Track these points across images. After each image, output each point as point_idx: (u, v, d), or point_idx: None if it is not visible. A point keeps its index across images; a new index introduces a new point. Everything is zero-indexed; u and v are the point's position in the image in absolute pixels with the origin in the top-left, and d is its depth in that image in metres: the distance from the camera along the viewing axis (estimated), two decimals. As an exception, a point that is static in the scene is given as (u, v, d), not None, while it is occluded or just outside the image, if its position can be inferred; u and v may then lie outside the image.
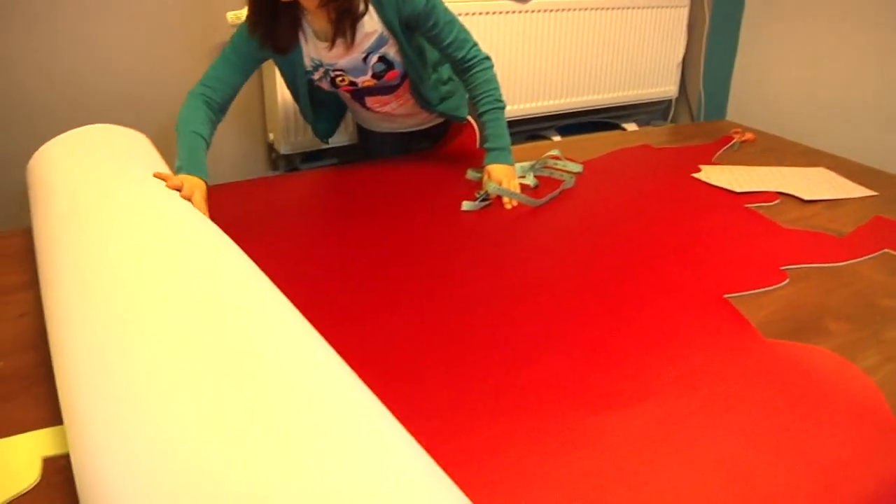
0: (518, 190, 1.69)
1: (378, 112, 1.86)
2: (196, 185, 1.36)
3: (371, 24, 1.61)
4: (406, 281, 1.29)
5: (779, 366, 1.05)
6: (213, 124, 1.58)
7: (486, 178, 1.72)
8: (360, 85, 1.71)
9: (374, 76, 1.69)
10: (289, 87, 1.77)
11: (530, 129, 2.87)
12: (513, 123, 2.23)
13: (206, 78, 1.59)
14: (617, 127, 3.03)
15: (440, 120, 1.97)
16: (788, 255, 1.43)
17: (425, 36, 1.68)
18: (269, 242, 1.44)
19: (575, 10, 2.74)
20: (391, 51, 1.66)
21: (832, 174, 1.91)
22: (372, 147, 2.03)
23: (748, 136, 2.19)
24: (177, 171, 1.41)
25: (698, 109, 3.19)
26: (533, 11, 2.59)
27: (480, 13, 2.47)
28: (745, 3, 3.03)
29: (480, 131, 1.82)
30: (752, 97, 3.09)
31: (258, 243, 1.41)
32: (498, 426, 0.92)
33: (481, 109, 1.75)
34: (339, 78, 1.69)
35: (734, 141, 2.15)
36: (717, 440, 0.89)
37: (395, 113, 1.87)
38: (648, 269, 1.35)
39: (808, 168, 1.95)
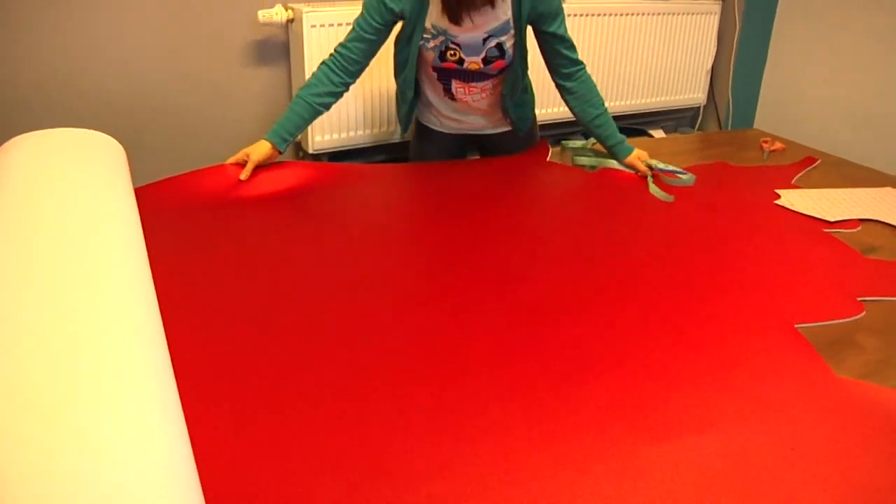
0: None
1: (458, 101, 1.85)
2: (257, 148, 1.62)
3: (503, 10, 1.66)
4: (465, 288, 1.26)
5: (850, 405, 0.98)
6: (336, 92, 1.69)
7: (638, 163, 1.83)
8: (466, 65, 1.73)
9: (484, 60, 1.72)
10: (397, 55, 1.78)
11: (557, 134, 2.79)
12: (541, 127, 2.19)
13: (342, 43, 1.67)
14: (644, 133, 2.96)
15: (500, 129, 1.96)
16: (868, 286, 1.35)
17: (547, 34, 1.73)
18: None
19: (605, 15, 2.70)
20: (508, 41, 1.71)
21: None
22: (427, 148, 1.99)
23: (777, 145, 2.12)
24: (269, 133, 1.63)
25: (726, 117, 3.12)
26: (567, 13, 2.49)
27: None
28: (777, 11, 2.95)
29: (597, 128, 1.85)
30: (781, 106, 3.03)
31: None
32: (552, 447, 0.88)
33: (600, 109, 1.82)
34: (451, 52, 1.71)
35: (764, 151, 2.08)
36: (780, 479, 0.84)
37: (473, 105, 1.86)
38: (719, 292, 1.28)
39: (878, 189, 1.85)
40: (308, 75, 2.12)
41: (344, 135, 2.33)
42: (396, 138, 2.41)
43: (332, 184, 1.68)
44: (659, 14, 2.82)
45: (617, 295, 1.25)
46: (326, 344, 1.08)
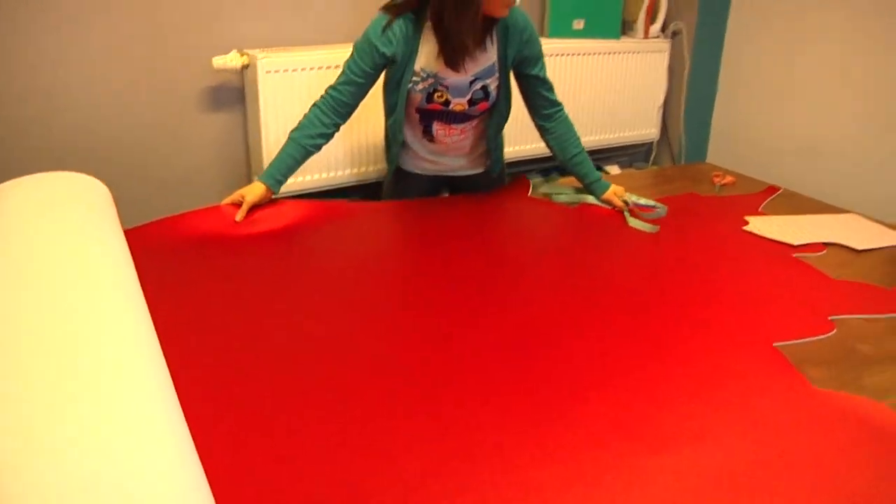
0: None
1: (436, 142, 1.87)
2: (252, 189, 1.65)
3: (491, 54, 1.72)
4: (456, 315, 1.30)
5: (827, 415, 1.06)
6: (327, 133, 1.72)
7: (615, 199, 1.86)
8: (452, 106, 1.76)
9: (469, 101, 1.76)
10: (387, 98, 1.80)
11: (514, 172, 2.79)
12: (506, 165, 2.17)
13: (333, 86, 1.71)
14: (599, 169, 2.97)
15: (474, 171, 1.98)
16: (837, 305, 1.41)
17: (529, 77, 1.80)
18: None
19: (559, 55, 2.74)
20: (493, 84, 1.76)
21: (868, 220, 1.89)
22: (401, 189, 1.98)
23: (728, 179, 2.15)
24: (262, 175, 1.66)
25: (679, 152, 3.17)
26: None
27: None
28: (724, 47, 3.04)
29: (576, 166, 1.89)
30: (732, 139, 3.10)
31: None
32: (557, 464, 0.93)
33: (578, 148, 1.88)
34: (439, 94, 1.74)
35: (715, 185, 2.11)
36: (771, 485, 0.91)
37: (451, 146, 1.88)
38: (701, 315, 1.35)
39: (841, 215, 1.92)
40: (264, 121, 2.13)
41: (317, 176, 2.31)
42: (373, 178, 2.42)
43: (322, 220, 1.69)
44: (611, 53, 2.87)
45: (606, 320, 1.30)
46: (319, 373, 1.10)
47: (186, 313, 1.26)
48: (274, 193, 1.69)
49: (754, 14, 2.90)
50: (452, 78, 1.72)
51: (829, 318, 1.35)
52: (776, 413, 1.05)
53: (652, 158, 3.27)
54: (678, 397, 1.08)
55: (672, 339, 1.25)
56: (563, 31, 2.81)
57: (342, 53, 2.24)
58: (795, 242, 1.70)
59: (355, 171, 2.41)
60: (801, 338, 1.28)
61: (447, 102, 1.76)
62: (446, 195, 2.04)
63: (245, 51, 2.19)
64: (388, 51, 1.65)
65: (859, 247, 1.69)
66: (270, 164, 1.69)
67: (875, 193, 2.56)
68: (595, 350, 1.20)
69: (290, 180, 2.12)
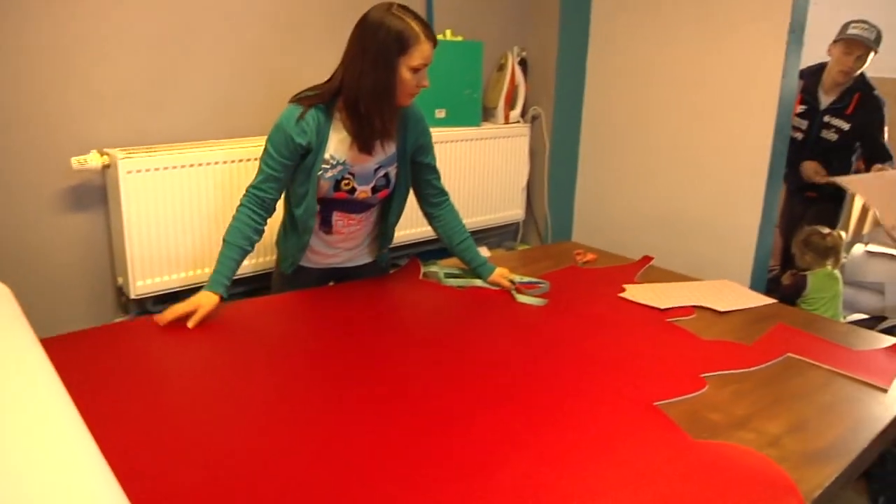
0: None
1: (336, 233, 1.89)
2: (203, 298, 1.62)
3: (392, 143, 1.81)
4: (366, 394, 1.32)
5: (707, 464, 1.14)
6: (259, 230, 1.76)
7: (501, 280, 1.94)
8: (356, 194, 1.81)
9: (373, 188, 1.82)
10: (297, 188, 1.80)
11: (402, 255, 2.82)
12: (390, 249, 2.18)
13: (254, 185, 1.74)
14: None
15: (362, 262, 2.01)
16: (707, 363, 1.50)
17: (422, 165, 1.90)
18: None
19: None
20: (393, 171, 1.85)
21: (736, 285, 2.04)
22: (291, 282, 1.96)
23: (590, 256, 2.25)
24: (208, 284, 1.65)
25: (545, 230, 3.29)
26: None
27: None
28: (581, 129, 3.21)
29: (463, 252, 1.98)
30: (594, 216, 3.24)
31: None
32: None
33: (464, 235, 1.98)
34: (346, 182, 1.79)
35: (578, 262, 2.21)
36: None
37: (349, 236, 1.92)
38: (589, 382, 1.40)
39: (715, 281, 2.07)
40: (127, 221, 2.06)
41: (175, 276, 2.24)
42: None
43: (238, 320, 1.66)
44: (473, 140, 2.98)
45: (502, 395, 1.34)
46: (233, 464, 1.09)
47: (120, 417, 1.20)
48: (224, 298, 1.67)
49: (608, 95, 3.10)
50: (359, 166, 1.78)
51: (701, 375, 1.44)
52: (660, 467, 1.12)
53: (520, 238, 3.37)
54: (575, 461, 1.13)
55: (565, 407, 1.30)
56: (427, 121, 2.88)
57: (205, 152, 2.25)
58: (663, 306, 1.81)
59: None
60: (677, 396, 1.35)
61: (353, 190, 1.80)
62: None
63: (105, 150, 2.13)
64: (302, 140, 1.69)
65: (722, 309, 1.81)
66: (214, 271, 1.68)
67: (726, 264, 2.73)
68: (494, 425, 1.23)
69: (140, 282, 2.09)
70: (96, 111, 2.15)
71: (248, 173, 2.28)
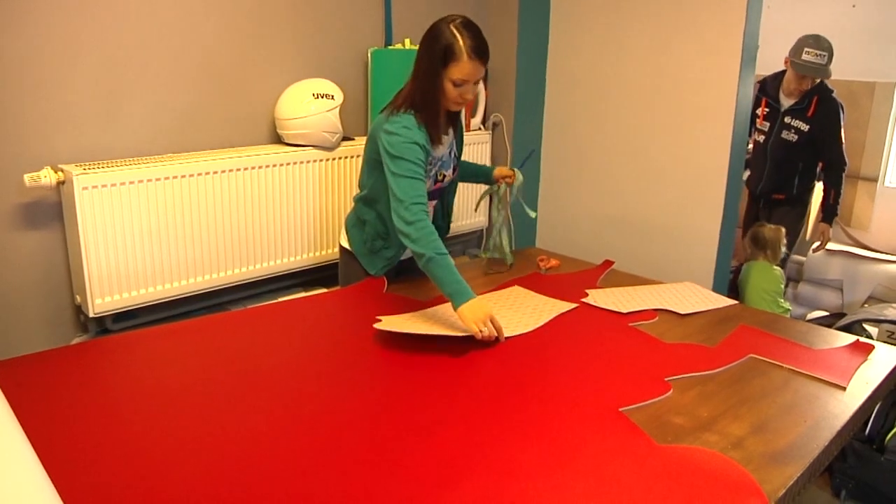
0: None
1: None
2: (484, 310, 1.61)
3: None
4: (328, 408, 1.32)
5: (672, 467, 1.15)
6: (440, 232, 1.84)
7: (505, 170, 2.20)
8: (445, 181, 1.96)
9: (453, 169, 1.98)
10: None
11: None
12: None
13: (412, 196, 1.73)
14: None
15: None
16: (670, 367, 1.51)
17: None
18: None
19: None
20: (454, 147, 1.99)
21: (698, 287, 2.05)
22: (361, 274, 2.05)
23: (553, 262, 2.25)
24: (458, 297, 1.63)
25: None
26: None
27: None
28: (543, 134, 3.22)
29: (466, 170, 2.17)
30: (557, 222, 3.26)
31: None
32: None
33: (465, 164, 2.16)
34: (439, 173, 1.92)
35: (541, 268, 2.21)
36: None
37: None
38: (550, 390, 1.40)
39: (677, 284, 2.08)
40: (84, 237, 2.02)
41: (135, 293, 2.20)
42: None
43: (201, 338, 1.64)
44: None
45: (464, 407, 1.34)
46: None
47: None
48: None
49: (568, 102, 3.11)
50: (439, 151, 1.89)
51: (665, 378, 1.44)
52: (626, 472, 1.13)
53: (483, 245, 3.36)
54: (541, 471, 1.13)
55: (530, 416, 1.30)
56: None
57: (163, 166, 2.21)
58: (625, 311, 1.81)
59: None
60: (642, 401, 1.36)
61: (443, 178, 1.95)
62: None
63: (60, 166, 2.09)
64: (426, 142, 1.80)
65: (683, 311, 1.82)
66: (455, 282, 1.66)
67: (688, 266, 2.75)
68: (458, 436, 1.22)
69: (99, 300, 2.06)
70: (50, 126, 2.10)
71: (207, 187, 2.26)
